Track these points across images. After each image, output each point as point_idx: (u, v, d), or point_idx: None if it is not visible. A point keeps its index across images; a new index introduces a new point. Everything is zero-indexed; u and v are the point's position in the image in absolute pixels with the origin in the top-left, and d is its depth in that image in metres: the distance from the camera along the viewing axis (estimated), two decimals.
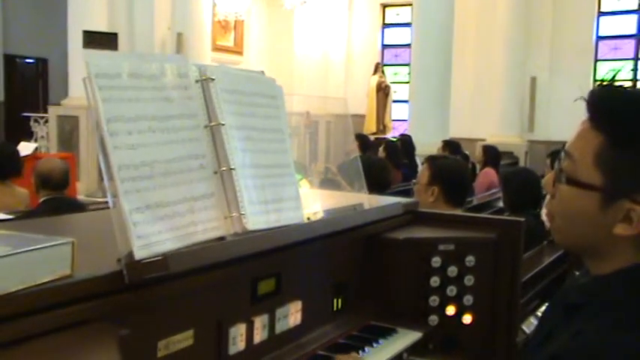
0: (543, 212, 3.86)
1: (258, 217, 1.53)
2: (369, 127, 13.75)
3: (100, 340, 1.09)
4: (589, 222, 1.12)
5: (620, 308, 1.07)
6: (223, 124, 1.50)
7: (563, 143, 1.21)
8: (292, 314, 1.79)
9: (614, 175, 1.08)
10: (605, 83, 1.15)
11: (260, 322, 1.66)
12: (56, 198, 4.05)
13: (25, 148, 7.27)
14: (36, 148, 9.00)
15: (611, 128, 1.08)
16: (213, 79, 1.51)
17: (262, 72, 1.75)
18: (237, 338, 1.59)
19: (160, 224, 1.31)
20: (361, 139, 8.02)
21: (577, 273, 1.31)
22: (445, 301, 2.10)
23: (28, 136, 10.93)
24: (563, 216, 1.17)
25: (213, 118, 1.49)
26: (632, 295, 1.09)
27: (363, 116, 14.24)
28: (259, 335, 1.66)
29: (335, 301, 2.01)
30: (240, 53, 14.66)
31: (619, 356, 1.00)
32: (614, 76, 1.16)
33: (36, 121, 11.18)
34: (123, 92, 1.31)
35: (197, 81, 1.49)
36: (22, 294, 1.06)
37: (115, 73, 1.31)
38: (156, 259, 1.23)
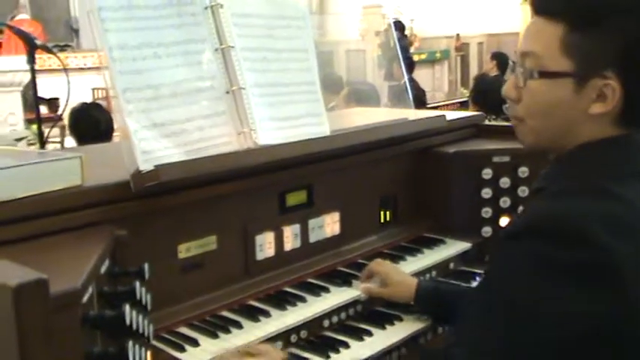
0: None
1: (270, 132, 1.63)
2: None
3: (96, 238, 1.27)
4: (565, 109, 1.16)
5: (566, 179, 1.17)
6: (233, 47, 1.60)
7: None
8: (329, 225, 1.89)
9: (582, 57, 1.13)
10: None
11: (290, 231, 1.79)
12: None
13: None
14: None
15: (571, 14, 1.14)
16: (222, 5, 1.61)
17: None
18: (265, 245, 1.73)
19: (166, 141, 1.47)
20: (499, 57, 7.67)
21: None
22: (498, 213, 2.09)
23: None
24: (537, 112, 1.20)
25: (223, 42, 1.60)
26: (581, 166, 1.16)
27: (516, 34, 13.47)
28: (290, 243, 1.79)
29: (382, 213, 2.07)
30: None
31: (548, 219, 1.08)
32: None
33: None
34: (125, 23, 1.45)
35: (206, 8, 1.60)
36: (29, 200, 1.26)
37: (119, 6, 1.46)
38: (151, 169, 1.39)
